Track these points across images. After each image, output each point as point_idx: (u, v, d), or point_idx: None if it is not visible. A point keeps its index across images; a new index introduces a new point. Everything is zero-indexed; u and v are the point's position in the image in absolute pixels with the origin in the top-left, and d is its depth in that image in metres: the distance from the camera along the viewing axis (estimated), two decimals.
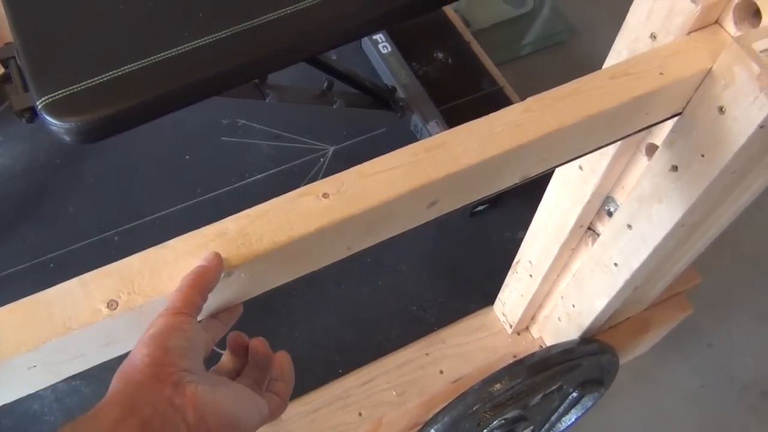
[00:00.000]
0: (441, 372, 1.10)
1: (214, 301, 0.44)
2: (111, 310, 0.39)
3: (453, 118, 1.39)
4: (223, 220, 0.44)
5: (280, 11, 0.89)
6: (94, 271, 0.41)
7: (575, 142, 0.53)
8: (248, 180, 1.33)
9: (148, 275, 0.41)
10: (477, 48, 1.56)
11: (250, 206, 0.47)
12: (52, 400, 1.07)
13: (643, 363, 1.26)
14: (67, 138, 0.79)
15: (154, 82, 0.83)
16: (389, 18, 0.97)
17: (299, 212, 0.44)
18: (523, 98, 1.49)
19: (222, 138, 1.39)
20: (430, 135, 1.34)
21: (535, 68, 1.69)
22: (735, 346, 1.31)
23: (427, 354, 1.13)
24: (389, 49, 1.46)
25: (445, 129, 1.34)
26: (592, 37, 1.72)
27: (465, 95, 1.47)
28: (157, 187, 1.33)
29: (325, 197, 0.45)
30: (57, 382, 0.43)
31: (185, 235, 0.43)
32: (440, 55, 1.53)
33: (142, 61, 0.84)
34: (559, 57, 1.71)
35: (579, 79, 0.52)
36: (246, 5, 0.89)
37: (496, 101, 1.47)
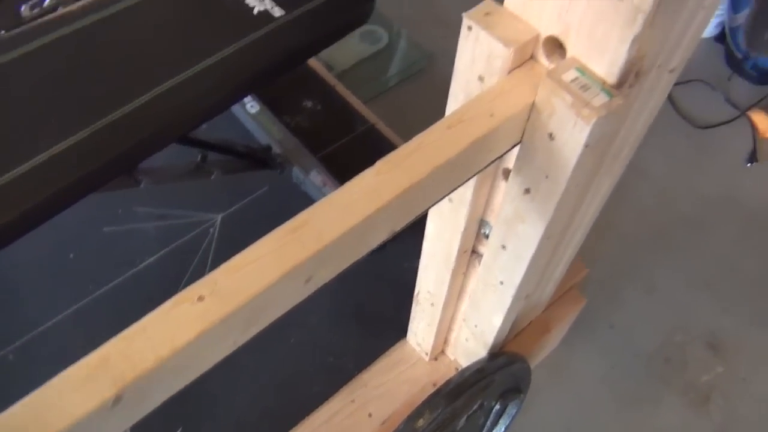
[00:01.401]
0: (369, 415, 1.12)
1: (116, 427, 0.44)
2: None
3: (333, 163, 1.42)
4: (102, 346, 0.44)
5: (137, 100, 0.90)
6: None
7: (430, 192, 0.57)
8: (140, 266, 1.31)
9: (34, 424, 0.40)
10: (343, 90, 1.60)
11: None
12: None
13: (555, 357, 1.33)
14: None
15: (17, 198, 0.81)
16: (254, 83, 0.99)
17: (178, 321, 0.45)
18: (396, 131, 1.54)
19: (104, 229, 1.36)
20: (314, 184, 1.37)
21: (402, 99, 1.76)
22: (633, 321, 1.41)
23: (352, 401, 1.14)
24: (257, 108, 1.48)
25: (326, 176, 1.37)
26: (450, 60, 1.80)
27: (340, 138, 1.51)
28: (45, 293, 1.28)
29: (200, 300, 0.46)
30: None
31: (68, 370, 0.43)
32: (309, 103, 1.56)
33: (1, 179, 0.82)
34: (423, 84, 1.79)
35: (421, 134, 0.56)
36: (100, 101, 0.89)
37: (372, 139, 1.51)
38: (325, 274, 0.53)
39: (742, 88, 1.83)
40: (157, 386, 0.45)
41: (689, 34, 0.58)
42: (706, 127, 1.75)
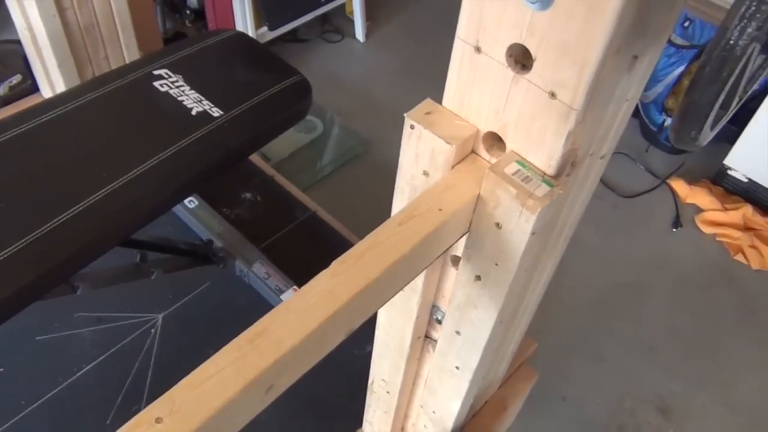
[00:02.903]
0: None
1: None
2: None
3: (276, 254, 1.41)
4: None
5: (74, 208, 0.87)
6: None
7: (386, 289, 0.57)
8: (78, 374, 1.24)
9: None
10: (281, 179, 1.61)
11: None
12: None
13: None
14: None
15: None
16: (195, 183, 0.98)
17: None
18: (337, 216, 1.54)
19: (37, 338, 1.29)
20: (257, 276, 1.35)
21: (341, 184, 1.79)
22: (584, 391, 1.42)
23: None
24: (196, 203, 1.47)
25: (270, 267, 1.36)
26: (384, 145, 1.86)
27: (282, 228, 1.51)
28: None
29: (158, 422, 0.44)
30: None
31: None
32: (248, 195, 1.56)
33: None
34: (360, 168, 1.82)
35: (373, 232, 0.57)
36: (35, 212, 0.86)
37: (313, 226, 1.52)
38: (286, 381, 0.52)
39: (660, 158, 1.95)
40: None
41: (617, 123, 0.62)
42: (631, 196, 1.84)
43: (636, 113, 1.99)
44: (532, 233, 0.59)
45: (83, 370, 1.25)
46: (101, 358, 1.27)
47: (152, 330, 1.31)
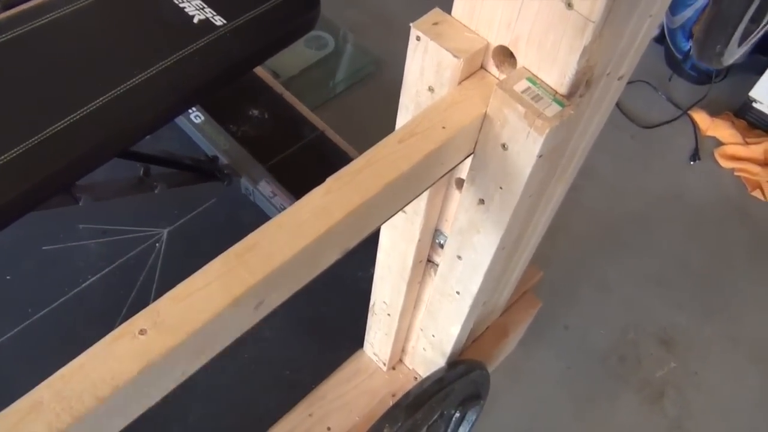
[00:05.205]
0: (329, 429, 1.10)
1: None
2: None
3: (282, 173, 1.39)
4: (36, 388, 0.41)
5: (73, 115, 0.85)
6: None
7: (383, 208, 0.55)
8: (83, 285, 1.25)
9: None
10: (290, 97, 1.57)
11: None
12: None
13: (513, 361, 1.33)
14: None
15: None
16: (196, 95, 0.95)
17: (118, 357, 0.42)
18: (345, 137, 1.50)
19: (43, 247, 1.30)
20: (263, 195, 1.34)
21: (351, 104, 1.74)
22: (587, 321, 1.42)
23: (310, 415, 1.11)
24: (202, 118, 1.44)
25: (275, 186, 1.34)
26: (398, 64, 1.79)
27: (289, 147, 1.48)
28: None
29: (142, 334, 0.43)
30: None
31: None
32: (255, 112, 1.53)
33: None
34: (371, 88, 1.77)
35: (371, 148, 0.54)
36: (32, 117, 0.84)
37: (320, 146, 1.49)
38: (277, 298, 0.51)
39: (683, 88, 1.88)
40: (99, 423, 0.42)
41: (637, 42, 0.58)
42: (650, 127, 1.78)
43: (661, 39, 1.90)
44: (540, 156, 0.56)
45: (89, 281, 1.26)
46: (106, 270, 1.27)
47: (157, 244, 1.31)
